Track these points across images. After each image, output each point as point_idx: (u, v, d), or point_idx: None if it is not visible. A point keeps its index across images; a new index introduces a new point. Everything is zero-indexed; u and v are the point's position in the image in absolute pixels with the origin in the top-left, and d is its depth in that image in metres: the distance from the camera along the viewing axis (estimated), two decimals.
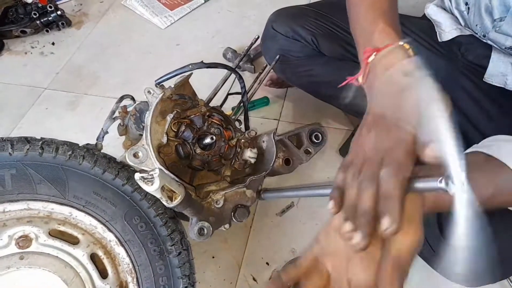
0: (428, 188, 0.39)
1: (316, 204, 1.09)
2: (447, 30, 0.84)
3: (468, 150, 0.55)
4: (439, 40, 0.86)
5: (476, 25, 0.79)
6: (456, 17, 0.84)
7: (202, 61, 0.75)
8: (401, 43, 0.52)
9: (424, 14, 0.93)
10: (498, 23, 0.73)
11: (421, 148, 0.40)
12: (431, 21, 0.89)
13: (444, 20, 0.85)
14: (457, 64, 0.86)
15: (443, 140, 0.36)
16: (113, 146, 1.02)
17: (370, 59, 0.54)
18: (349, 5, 0.68)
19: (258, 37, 1.11)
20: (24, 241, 0.65)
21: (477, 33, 0.80)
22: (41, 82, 1.50)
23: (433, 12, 0.89)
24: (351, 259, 0.44)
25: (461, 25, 0.83)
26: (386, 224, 0.38)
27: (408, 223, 0.40)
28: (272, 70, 1.07)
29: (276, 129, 1.27)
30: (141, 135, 0.69)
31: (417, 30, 0.92)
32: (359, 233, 0.40)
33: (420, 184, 0.40)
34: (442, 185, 0.36)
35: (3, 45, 1.64)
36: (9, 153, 0.64)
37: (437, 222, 0.76)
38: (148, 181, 0.53)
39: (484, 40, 0.79)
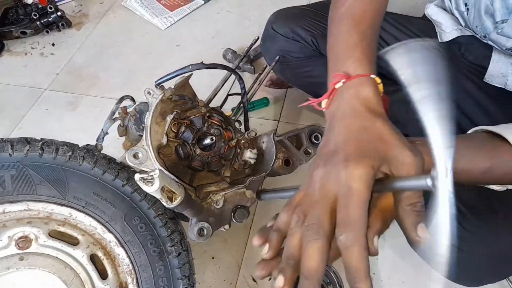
0: (410, 187, 0.38)
1: None
2: (448, 31, 0.84)
3: (474, 129, 0.54)
4: (440, 40, 0.86)
5: (476, 26, 0.79)
6: (456, 18, 0.84)
7: (202, 62, 0.75)
8: (372, 76, 0.50)
9: (424, 14, 0.93)
10: (500, 25, 0.73)
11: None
12: (431, 22, 0.89)
13: (444, 20, 0.85)
14: (457, 65, 0.86)
15: (432, 136, 0.35)
16: (113, 147, 1.02)
17: (338, 85, 0.51)
18: (331, 22, 0.64)
19: (258, 38, 1.11)
20: (24, 242, 0.65)
21: (477, 34, 0.80)
22: (41, 83, 1.50)
23: (433, 12, 0.89)
24: None
25: (461, 25, 0.83)
26: None
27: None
28: (272, 71, 1.08)
29: (276, 129, 1.27)
30: (141, 136, 0.69)
31: (417, 31, 0.92)
32: None
33: (401, 184, 0.38)
34: (425, 183, 0.35)
35: (3, 46, 1.64)
36: (9, 154, 0.64)
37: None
38: (148, 181, 0.53)
39: (485, 41, 0.79)
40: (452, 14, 0.85)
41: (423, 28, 0.91)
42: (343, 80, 0.51)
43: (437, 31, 0.87)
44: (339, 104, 0.50)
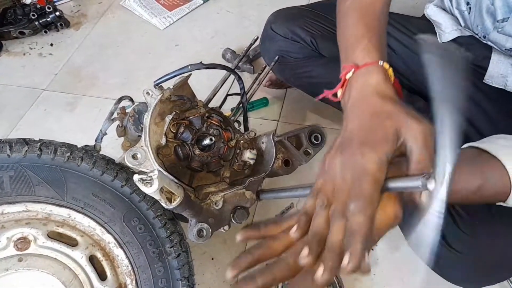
0: (404, 187, 0.40)
1: None
2: (447, 31, 0.84)
3: (463, 146, 0.55)
4: (439, 41, 0.86)
5: (477, 26, 0.78)
6: (456, 18, 0.84)
7: (201, 62, 0.75)
8: (380, 63, 0.51)
9: (424, 14, 0.93)
10: (500, 24, 0.73)
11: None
12: (431, 22, 0.89)
13: (444, 20, 0.85)
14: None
15: (440, 139, 0.36)
16: (112, 147, 1.01)
17: (348, 75, 0.53)
18: (339, 16, 0.67)
19: (257, 38, 1.11)
20: (23, 243, 0.65)
21: (477, 34, 0.80)
22: (40, 83, 1.50)
23: (432, 12, 0.88)
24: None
25: (461, 25, 0.83)
26: (346, 261, 0.38)
27: (387, 199, 0.41)
28: (271, 71, 1.07)
29: (276, 130, 1.27)
30: (140, 136, 0.68)
31: (416, 31, 0.91)
32: (322, 268, 0.39)
33: (395, 184, 0.40)
34: (418, 184, 0.37)
35: (1, 46, 1.63)
36: (8, 155, 0.64)
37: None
38: (147, 182, 0.53)
39: (484, 41, 0.79)
40: (452, 14, 0.85)
41: (423, 28, 0.91)
42: (352, 70, 0.52)
43: (436, 31, 0.87)
44: (350, 94, 0.52)
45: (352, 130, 0.47)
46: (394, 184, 0.41)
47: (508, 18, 0.71)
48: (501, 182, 0.48)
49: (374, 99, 0.48)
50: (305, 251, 0.40)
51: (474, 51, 0.82)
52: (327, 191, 0.44)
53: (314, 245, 0.41)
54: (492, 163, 0.48)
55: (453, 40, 0.83)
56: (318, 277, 0.38)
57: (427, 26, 0.89)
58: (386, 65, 0.52)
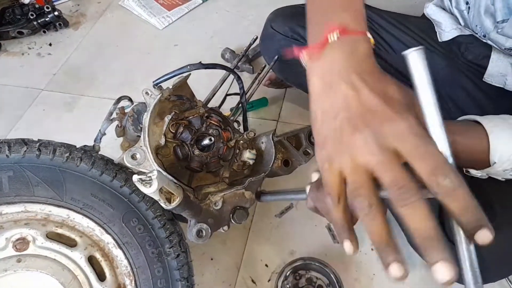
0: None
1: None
2: (447, 30, 0.84)
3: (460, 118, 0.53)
4: (439, 40, 0.86)
5: (476, 26, 0.79)
6: (456, 17, 0.84)
7: (200, 62, 0.74)
8: (369, 36, 0.46)
9: (424, 13, 0.93)
10: (500, 24, 0.73)
11: None
12: (431, 21, 0.89)
13: (443, 20, 0.85)
14: (456, 64, 0.86)
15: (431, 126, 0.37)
16: (111, 147, 1.01)
17: (332, 37, 0.45)
18: None
19: (257, 38, 1.11)
20: (22, 243, 0.64)
21: (477, 33, 0.80)
22: (38, 83, 1.49)
23: (432, 11, 0.88)
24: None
25: (460, 24, 0.83)
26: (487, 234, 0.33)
27: None
28: (270, 70, 1.07)
29: (275, 130, 1.26)
30: (139, 136, 0.68)
31: (416, 30, 0.91)
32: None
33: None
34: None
35: (0, 46, 1.63)
36: (6, 155, 0.64)
37: (440, 223, 0.75)
38: (146, 183, 0.53)
39: (484, 40, 0.79)
40: (451, 13, 0.85)
41: (422, 27, 0.91)
42: (337, 32, 0.44)
43: (436, 30, 0.87)
44: (334, 60, 0.44)
45: (365, 102, 0.40)
46: None
47: (508, 19, 0.70)
48: (479, 144, 0.46)
49: (373, 67, 0.43)
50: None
51: (474, 50, 0.82)
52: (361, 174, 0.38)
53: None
54: (474, 128, 0.47)
55: (453, 39, 0.83)
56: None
57: (427, 25, 0.90)
58: (372, 40, 0.46)
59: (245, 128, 0.89)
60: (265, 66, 1.09)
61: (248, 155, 0.76)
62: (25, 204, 0.66)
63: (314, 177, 0.50)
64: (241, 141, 0.76)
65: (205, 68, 0.75)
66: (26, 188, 0.65)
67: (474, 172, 0.52)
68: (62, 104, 1.42)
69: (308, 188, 0.50)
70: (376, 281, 0.95)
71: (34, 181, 0.65)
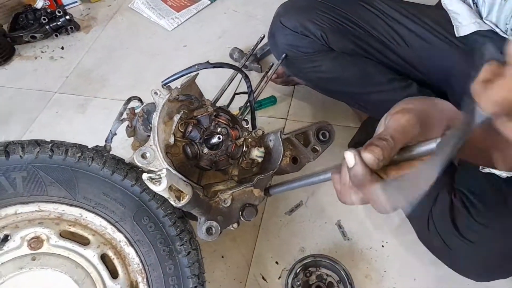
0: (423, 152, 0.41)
1: (325, 202, 1.08)
2: (465, 23, 0.81)
3: None
4: (456, 34, 0.83)
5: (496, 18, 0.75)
6: (477, 8, 0.80)
7: (208, 61, 0.75)
8: None
9: (438, 2, 0.90)
10: None
11: None
12: (446, 12, 0.86)
13: (461, 11, 0.82)
14: (474, 59, 0.84)
15: None
16: (122, 147, 1.03)
17: None
18: None
19: (264, 36, 1.11)
20: (36, 242, 0.66)
21: (498, 27, 0.77)
22: (51, 86, 1.52)
23: (449, 2, 0.86)
24: None
25: (480, 18, 0.80)
26: None
27: None
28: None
29: (284, 127, 1.27)
30: (149, 136, 0.69)
31: (431, 22, 0.88)
32: None
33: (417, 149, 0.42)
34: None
35: (14, 51, 1.67)
36: (20, 156, 0.65)
37: (451, 219, 0.75)
38: (155, 181, 0.53)
39: (506, 36, 0.77)
40: (469, 5, 0.82)
41: (438, 19, 0.88)
42: None
43: (453, 24, 0.84)
44: None
45: None
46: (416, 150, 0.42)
47: None
48: None
49: None
50: None
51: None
52: None
53: None
54: None
55: (472, 34, 0.81)
56: None
57: (443, 16, 0.86)
58: None
59: (254, 126, 0.90)
60: (272, 64, 1.10)
61: (256, 153, 0.76)
62: (39, 203, 0.68)
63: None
64: (250, 139, 0.77)
65: (213, 67, 0.76)
66: (39, 188, 0.67)
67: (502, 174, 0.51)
68: (75, 106, 1.44)
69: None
70: (387, 278, 0.95)
71: (47, 181, 0.67)
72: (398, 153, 0.43)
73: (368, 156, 0.40)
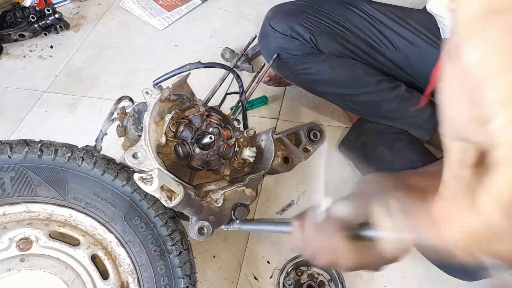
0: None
1: (316, 202, 1.09)
2: (450, 26, 0.83)
3: None
4: (442, 36, 0.85)
5: None
6: None
7: (199, 61, 0.75)
8: None
9: (425, 7, 0.92)
10: None
11: None
12: (433, 15, 0.88)
13: (446, 14, 0.84)
14: None
15: None
16: (113, 147, 1.02)
17: None
18: None
19: (255, 37, 1.11)
20: (25, 243, 0.65)
21: None
22: (40, 85, 1.51)
23: (434, 6, 0.87)
24: None
25: None
26: None
27: None
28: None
29: (275, 127, 1.27)
30: (140, 136, 0.69)
31: (418, 25, 0.90)
32: None
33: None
34: None
35: (1, 49, 1.64)
36: (8, 156, 0.65)
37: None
38: (147, 181, 0.53)
39: None
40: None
41: (424, 22, 0.90)
42: None
43: (439, 26, 0.85)
44: None
45: None
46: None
47: None
48: None
49: None
50: None
51: None
52: None
53: None
54: None
55: None
56: None
57: (429, 19, 0.88)
58: None
59: (245, 126, 0.90)
60: (264, 65, 1.10)
61: (248, 153, 0.76)
62: (28, 204, 0.67)
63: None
64: (241, 139, 0.77)
65: (204, 67, 0.75)
66: (28, 188, 0.66)
67: None
68: (64, 106, 1.43)
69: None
70: (378, 277, 0.95)
71: (36, 181, 0.66)
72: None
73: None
